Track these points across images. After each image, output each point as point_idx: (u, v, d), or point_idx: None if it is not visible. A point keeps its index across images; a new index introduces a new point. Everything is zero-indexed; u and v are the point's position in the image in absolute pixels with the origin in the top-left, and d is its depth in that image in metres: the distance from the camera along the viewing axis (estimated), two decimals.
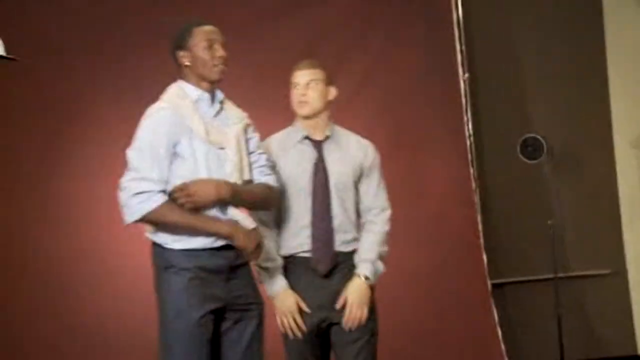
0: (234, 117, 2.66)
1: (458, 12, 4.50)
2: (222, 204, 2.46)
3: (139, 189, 2.40)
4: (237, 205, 2.51)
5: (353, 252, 2.82)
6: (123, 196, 2.42)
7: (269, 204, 2.66)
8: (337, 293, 2.75)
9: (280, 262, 2.77)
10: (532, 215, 4.69)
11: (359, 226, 2.86)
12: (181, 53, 2.57)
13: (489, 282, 4.31)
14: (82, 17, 4.13)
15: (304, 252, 2.79)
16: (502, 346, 4.17)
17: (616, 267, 4.82)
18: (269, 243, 2.75)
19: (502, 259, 4.53)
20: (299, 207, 2.80)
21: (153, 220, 2.44)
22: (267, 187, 2.62)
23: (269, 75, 3.96)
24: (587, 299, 4.79)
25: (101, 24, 4.09)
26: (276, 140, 2.87)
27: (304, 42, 4.23)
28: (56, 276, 3.98)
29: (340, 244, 2.80)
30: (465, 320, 4.14)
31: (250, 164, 2.62)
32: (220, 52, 2.56)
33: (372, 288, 2.81)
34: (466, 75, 4.51)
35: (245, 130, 2.66)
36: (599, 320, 4.78)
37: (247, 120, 2.68)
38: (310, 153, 2.81)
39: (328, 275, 2.77)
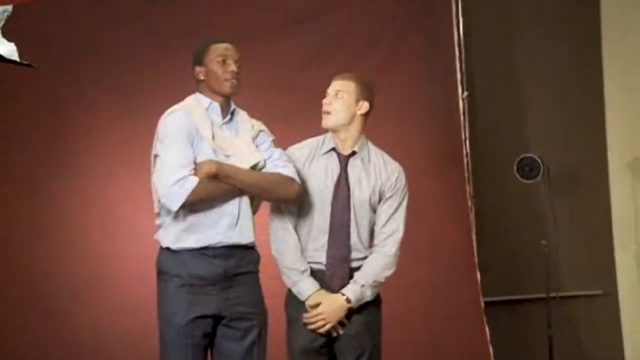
0: (244, 127, 2.72)
1: (459, 31, 4.49)
2: (213, 179, 2.52)
3: (175, 178, 2.50)
4: (228, 182, 2.55)
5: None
6: (162, 189, 2.54)
7: (279, 192, 2.66)
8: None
9: (307, 265, 2.75)
10: (527, 235, 4.70)
11: (370, 246, 2.82)
12: (197, 68, 2.68)
13: (482, 300, 4.28)
14: (85, 20, 4.11)
15: (318, 263, 2.75)
16: None
17: (607, 288, 4.83)
18: (295, 249, 2.75)
19: (495, 277, 4.50)
20: (319, 219, 2.77)
21: (195, 201, 2.51)
22: (278, 174, 2.63)
23: (267, 86, 3.99)
24: (578, 319, 4.80)
25: (104, 28, 4.08)
26: (305, 147, 2.84)
27: (301, 58, 4.24)
28: (55, 281, 3.95)
29: (351, 262, 2.75)
30: (458, 338, 4.12)
31: (261, 165, 2.65)
32: (232, 67, 2.64)
33: (379, 304, 2.79)
34: (465, 93, 4.50)
35: (255, 139, 2.70)
36: (589, 340, 4.79)
37: (257, 128, 2.73)
38: (334, 166, 2.77)
39: (338, 291, 2.72)
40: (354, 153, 2.79)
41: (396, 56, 4.36)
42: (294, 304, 2.78)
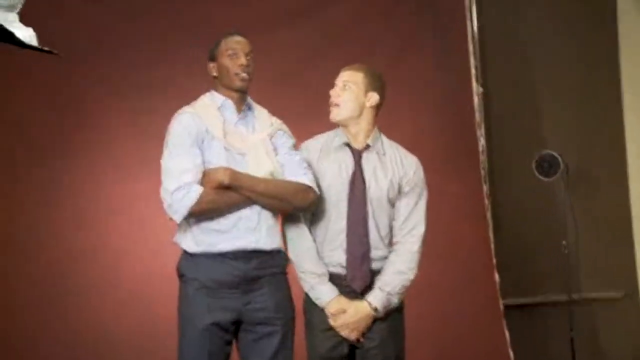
0: (262, 124, 2.67)
1: (473, 25, 4.46)
2: (225, 188, 2.45)
3: (177, 184, 2.43)
4: (242, 192, 2.48)
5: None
6: (166, 198, 2.46)
7: (296, 201, 2.57)
8: None
9: (325, 269, 2.67)
10: (546, 235, 4.65)
11: (390, 244, 2.73)
12: (211, 64, 2.66)
13: (501, 303, 4.23)
14: (92, 19, 4.12)
15: (336, 265, 2.67)
16: None
17: (629, 290, 4.75)
18: (311, 251, 2.67)
19: (514, 279, 4.46)
20: (335, 217, 2.69)
21: (200, 212, 2.44)
22: (296, 183, 2.55)
23: (276, 81, 3.96)
24: (599, 322, 4.73)
25: (112, 25, 4.08)
26: (316, 143, 2.78)
27: (311, 50, 4.21)
28: (62, 280, 3.95)
29: (372, 261, 2.66)
30: (477, 342, 4.06)
31: (276, 170, 2.59)
32: (241, 60, 2.59)
33: (402, 309, 2.72)
34: (480, 89, 4.46)
35: (273, 137, 2.66)
36: (610, 343, 4.72)
37: (277, 127, 2.69)
38: (348, 161, 2.69)
39: (362, 293, 2.65)
40: (367, 147, 2.72)
41: (406, 51, 4.31)
42: (313, 310, 2.69)
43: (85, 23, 4.10)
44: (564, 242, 4.44)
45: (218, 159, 2.52)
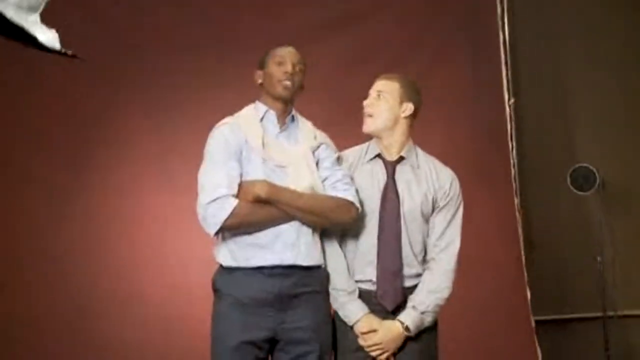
0: (305, 136, 2.63)
1: (505, 35, 4.46)
2: (262, 202, 2.40)
3: (211, 197, 2.38)
4: (279, 206, 2.42)
5: (415, 287, 2.61)
6: (200, 212, 2.41)
7: (336, 217, 2.51)
8: None
9: (355, 286, 2.59)
10: (579, 250, 4.64)
11: (424, 261, 2.65)
12: (258, 72, 2.62)
13: (532, 319, 4.17)
14: (121, 34, 4.14)
15: (367, 282, 2.59)
16: None
17: None
18: (342, 267, 2.61)
19: (546, 295, 4.43)
20: (367, 232, 2.61)
21: (235, 226, 2.40)
22: (337, 198, 2.50)
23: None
24: (634, 339, 4.68)
25: (139, 41, 4.09)
26: (348, 156, 2.71)
27: (345, 60, 4.21)
28: (80, 292, 3.97)
29: (404, 279, 2.59)
30: (508, 358, 4.02)
31: (317, 184, 2.54)
32: (287, 67, 2.56)
33: (435, 327, 2.63)
34: (512, 100, 4.44)
35: (316, 150, 2.61)
36: None
37: (320, 140, 2.64)
38: (380, 174, 2.62)
39: (393, 312, 2.57)
40: (401, 159, 2.64)
41: (439, 63, 4.30)
42: (343, 329, 2.61)
43: (112, 38, 4.12)
44: (598, 258, 4.38)
45: (256, 172, 2.47)
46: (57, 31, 3.40)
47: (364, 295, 2.57)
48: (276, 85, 2.55)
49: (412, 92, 2.65)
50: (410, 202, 2.58)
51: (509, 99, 4.44)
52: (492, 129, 4.28)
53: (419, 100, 2.66)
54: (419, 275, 2.60)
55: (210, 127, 2.64)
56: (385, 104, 2.61)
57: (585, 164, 4.41)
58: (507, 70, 4.44)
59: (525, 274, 4.15)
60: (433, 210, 2.63)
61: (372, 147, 2.65)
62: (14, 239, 3.94)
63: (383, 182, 2.59)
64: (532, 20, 4.80)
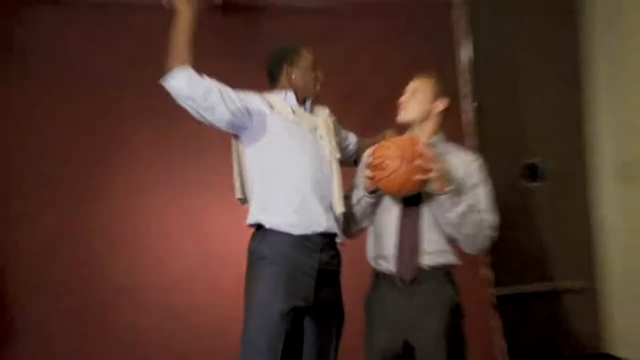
0: (323, 113, 2.82)
1: (466, 50, 4.62)
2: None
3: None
4: None
5: (439, 267, 2.61)
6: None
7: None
8: (419, 314, 2.58)
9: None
10: (529, 232, 4.80)
11: (452, 242, 2.64)
12: (289, 68, 2.73)
13: (492, 294, 4.44)
14: (135, 55, 4.13)
15: (387, 260, 2.61)
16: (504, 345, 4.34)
17: (589, 281, 5.04)
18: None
19: (503, 273, 4.61)
20: (392, 211, 2.64)
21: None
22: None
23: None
24: (570, 307, 5.00)
25: (143, 52, 3.97)
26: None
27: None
28: (97, 292, 4.02)
29: (425, 255, 2.58)
30: (471, 327, 4.12)
31: (338, 145, 2.74)
32: (318, 73, 2.75)
33: (462, 316, 2.62)
34: (475, 104, 4.65)
35: (334, 124, 2.83)
36: (578, 326, 5.02)
37: (334, 118, 2.86)
38: None
39: (412, 293, 2.57)
40: (428, 145, 2.65)
41: (405, 76, 4.10)
42: (375, 304, 2.68)
43: (129, 58, 4.12)
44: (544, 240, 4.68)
45: (291, 133, 2.61)
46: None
47: (387, 278, 2.63)
48: (310, 89, 2.73)
49: (445, 90, 2.74)
50: None
51: (472, 104, 4.61)
52: (456, 130, 4.37)
53: (449, 99, 2.74)
54: (441, 252, 2.61)
55: (212, 131, 2.74)
56: (418, 99, 2.70)
57: (534, 160, 4.66)
58: (470, 77, 4.60)
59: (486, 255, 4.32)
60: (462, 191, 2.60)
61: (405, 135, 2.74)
62: (28, 236, 3.93)
63: None
64: (490, 36, 4.97)
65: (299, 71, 2.72)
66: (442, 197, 2.51)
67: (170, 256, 4.09)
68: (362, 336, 2.75)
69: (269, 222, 2.57)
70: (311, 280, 2.55)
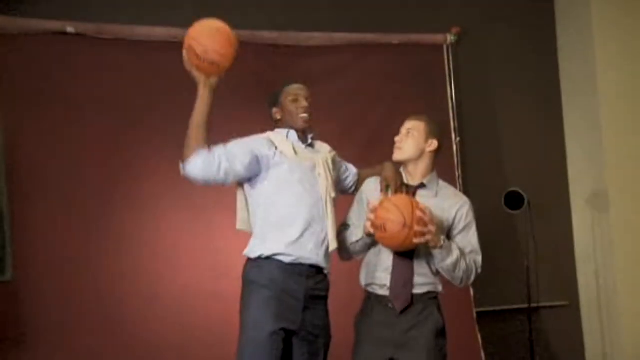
0: (324, 150, 2.89)
1: (452, 88, 4.92)
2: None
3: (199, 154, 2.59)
4: None
5: (427, 293, 2.72)
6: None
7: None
8: (406, 332, 2.68)
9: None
10: (511, 257, 4.97)
11: (438, 274, 2.76)
12: (274, 109, 2.85)
13: (474, 311, 4.67)
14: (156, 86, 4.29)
15: (383, 287, 2.70)
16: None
17: (572, 299, 5.22)
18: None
19: (485, 292, 4.77)
20: (388, 250, 2.73)
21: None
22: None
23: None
24: (551, 325, 5.14)
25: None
26: (376, 179, 2.87)
27: (315, 112, 4.25)
28: (108, 295, 4.14)
29: (417, 286, 2.70)
30: (453, 344, 4.03)
31: (334, 184, 2.80)
32: (302, 103, 2.80)
33: (446, 338, 2.74)
34: (458, 139, 4.90)
35: (334, 160, 2.88)
36: (560, 343, 5.17)
37: (334, 153, 2.92)
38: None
39: (401, 313, 2.68)
40: (422, 185, 2.77)
41: (395, 112, 4.27)
42: (363, 323, 2.77)
43: (152, 83, 4.28)
44: (525, 262, 4.75)
45: (291, 172, 2.67)
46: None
47: (378, 299, 2.73)
48: (297, 120, 2.77)
49: (437, 130, 2.84)
50: None
51: (455, 138, 4.88)
52: (441, 163, 4.29)
53: (443, 138, 2.87)
54: (430, 283, 2.74)
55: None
56: (412, 139, 2.80)
57: (515, 188, 4.73)
58: (453, 115, 4.89)
59: None
60: (449, 231, 2.73)
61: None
62: (53, 249, 4.08)
63: None
64: (473, 74, 5.16)
65: (283, 109, 2.81)
66: (436, 250, 2.65)
67: (180, 264, 4.27)
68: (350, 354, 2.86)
69: (264, 254, 2.70)
70: (298, 304, 2.65)
